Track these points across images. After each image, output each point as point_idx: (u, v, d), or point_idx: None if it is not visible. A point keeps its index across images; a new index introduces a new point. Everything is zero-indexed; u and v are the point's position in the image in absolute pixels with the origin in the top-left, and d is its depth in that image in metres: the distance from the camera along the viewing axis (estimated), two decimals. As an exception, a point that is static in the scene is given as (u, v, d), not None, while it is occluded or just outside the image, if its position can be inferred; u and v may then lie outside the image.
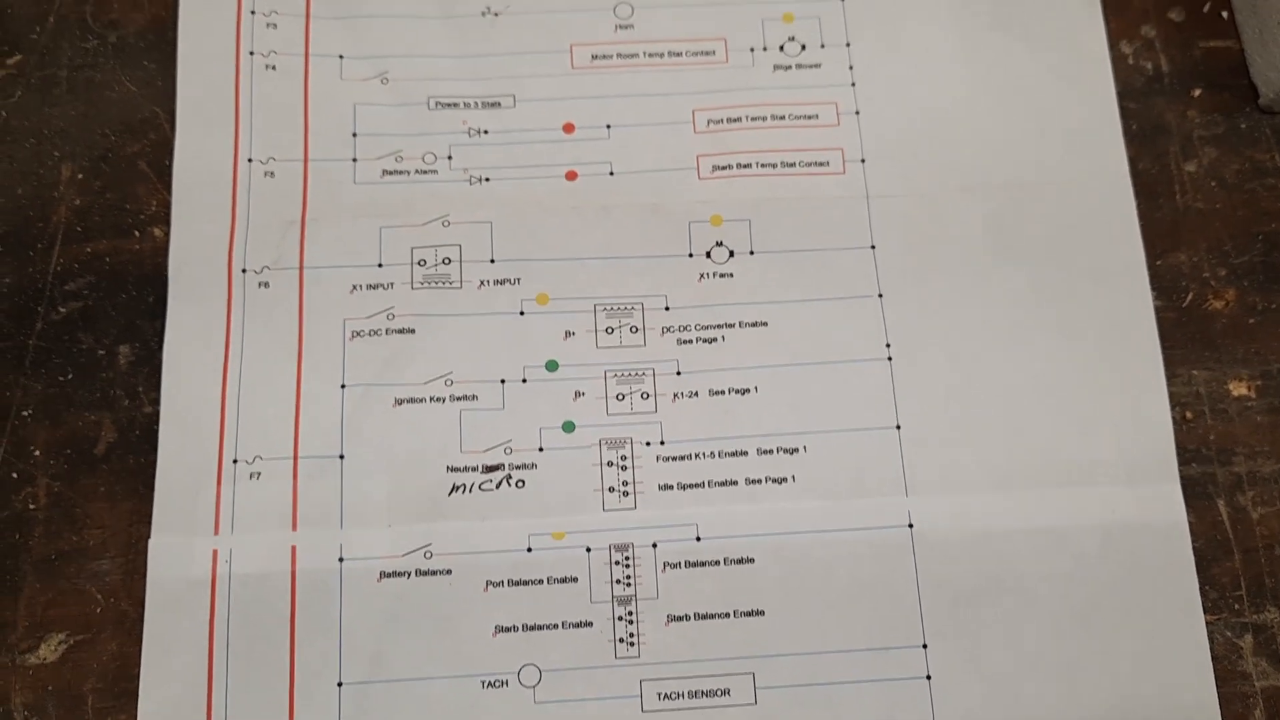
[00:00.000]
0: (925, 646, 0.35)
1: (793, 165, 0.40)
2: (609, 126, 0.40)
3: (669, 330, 0.38)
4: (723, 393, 0.38)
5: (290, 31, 0.41)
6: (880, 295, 0.39)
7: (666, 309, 0.39)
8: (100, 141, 0.40)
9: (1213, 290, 0.40)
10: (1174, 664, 0.35)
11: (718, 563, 0.36)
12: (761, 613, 0.36)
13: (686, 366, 0.38)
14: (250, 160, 0.39)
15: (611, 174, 0.40)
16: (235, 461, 0.36)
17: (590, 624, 0.35)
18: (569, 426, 0.37)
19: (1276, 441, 0.38)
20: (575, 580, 0.36)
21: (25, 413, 0.37)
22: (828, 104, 0.41)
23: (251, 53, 0.40)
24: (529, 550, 0.36)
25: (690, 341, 0.38)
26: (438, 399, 0.37)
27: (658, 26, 0.42)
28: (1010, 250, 0.39)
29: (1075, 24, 0.42)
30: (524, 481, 0.37)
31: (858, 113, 0.41)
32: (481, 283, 0.38)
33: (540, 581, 0.36)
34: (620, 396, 0.38)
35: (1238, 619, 0.36)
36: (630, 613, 0.35)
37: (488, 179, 0.40)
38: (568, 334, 0.38)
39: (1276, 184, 0.41)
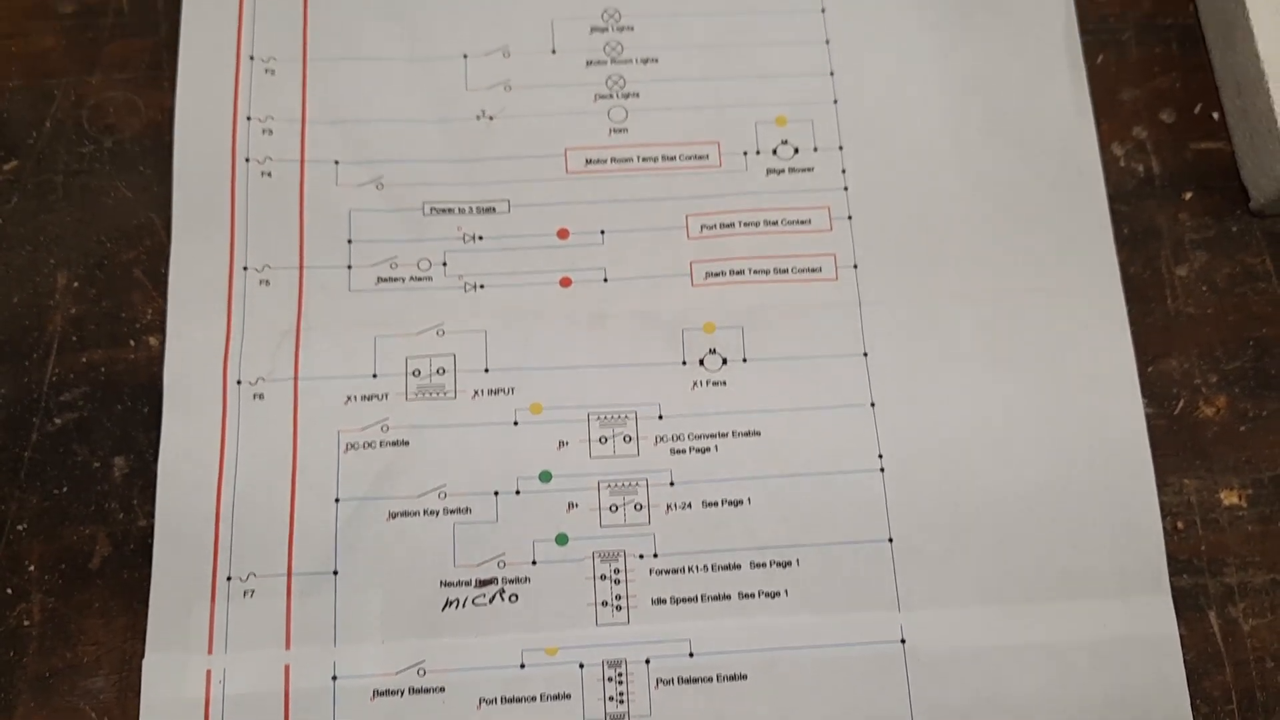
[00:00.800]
0: (918, 764, 0.35)
1: (785, 272, 0.40)
2: (603, 232, 0.41)
3: (662, 439, 0.38)
4: (716, 504, 0.38)
5: (286, 137, 0.41)
6: (873, 404, 0.39)
7: (660, 418, 0.39)
8: (96, 249, 0.40)
9: (1204, 397, 0.40)
10: (1166, 781, 0.35)
11: (710, 679, 0.36)
12: (755, 730, 0.36)
13: (680, 477, 0.38)
14: (246, 268, 0.39)
15: (605, 280, 0.40)
16: (229, 579, 0.36)
17: (584, 742, 0.35)
18: (562, 539, 0.37)
19: (1268, 552, 0.38)
20: (568, 697, 0.36)
21: (20, 526, 0.37)
22: (820, 208, 0.41)
23: (247, 159, 0.41)
24: (522, 666, 0.36)
25: (683, 451, 0.38)
26: (431, 512, 0.37)
27: (652, 130, 0.42)
28: (1001, 358, 0.39)
29: (1067, 126, 0.42)
30: (517, 595, 0.37)
31: (850, 217, 0.41)
32: (475, 392, 0.39)
33: (533, 699, 0.36)
34: (614, 508, 0.38)
35: (1229, 734, 0.36)
36: (623, 730, 0.36)
37: (482, 286, 0.40)
38: (561, 444, 0.38)
39: (1267, 288, 0.41)
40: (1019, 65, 0.42)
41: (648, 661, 0.36)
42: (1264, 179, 0.41)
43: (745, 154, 0.42)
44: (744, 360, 0.39)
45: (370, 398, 0.38)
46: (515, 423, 0.38)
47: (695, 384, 0.39)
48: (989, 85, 0.42)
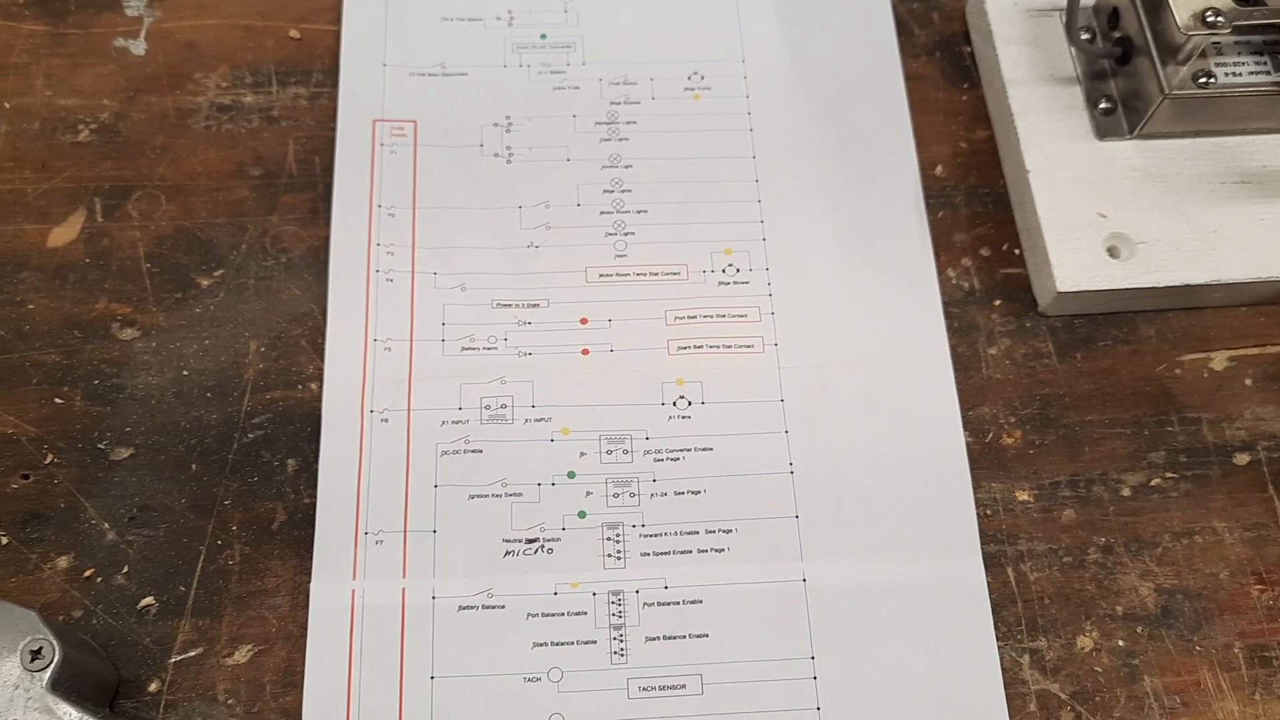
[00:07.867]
0: (813, 658, 0.54)
1: (730, 347, 0.61)
2: (610, 320, 0.61)
3: (649, 452, 0.58)
4: (683, 493, 0.58)
5: (402, 257, 0.62)
6: (786, 432, 0.59)
7: (647, 438, 0.59)
8: (276, 327, 0.61)
9: (1005, 431, 0.60)
10: (970, 675, 0.54)
11: (678, 603, 0.55)
12: (707, 635, 0.55)
13: (660, 476, 0.58)
14: (375, 340, 0.60)
15: (612, 351, 0.61)
16: (366, 533, 0.56)
17: (595, 642, 0.54)
18: (582, 514, 0.57)
19: (1046, 530, 0.58)
20: (585, 614, 0.55)
21: (226, 502, 0.57)
22: (753, 307, 0.62)
23: (377, 271, 0.62)
24: (555, 594, 0.55)
25: (662, 460, 0.58)
26: (497, 495, 0.57)
27: (643, 256, 0.63)
28: (872, 408, 0.60)
29: (916, 258, 0.63)
30: (552, 549, 0.56)
31: (773, 313, 0.62)
32: (525, 420, 0.59)
33: (562, 614, 0.55)
34: (616, 495, 0.57)
35: (1019, 644, 0.56)
36: (621, 635, 0.54)
37: (530, 354, 0.60)
38: (582, 454, 0.58)
39: (1050, 364, 0.62)
40: (884, 219, 0.64)
41: (637, 592, 0.55)
42: (1043, 292, 0.62)
43: (704, 272, 0.63)
44: (703, 403, 0.60)
45: (457, 422, 0.58)
46: (551, 440, 0.58)
47: (670, 417, 0.59)
48: (864, 232, 0.64)
